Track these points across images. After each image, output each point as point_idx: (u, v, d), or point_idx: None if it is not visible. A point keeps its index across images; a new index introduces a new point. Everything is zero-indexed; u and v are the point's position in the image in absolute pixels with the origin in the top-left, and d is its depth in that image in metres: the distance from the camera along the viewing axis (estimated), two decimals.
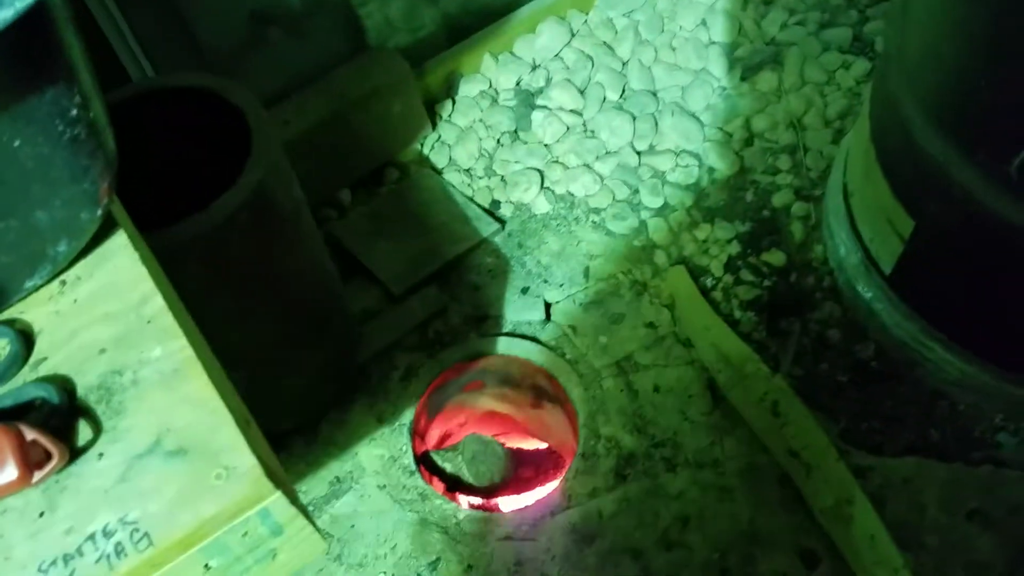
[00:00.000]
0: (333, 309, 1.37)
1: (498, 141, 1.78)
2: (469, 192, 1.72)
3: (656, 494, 1.31)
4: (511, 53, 1.89)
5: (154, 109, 1.14)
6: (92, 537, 0.57)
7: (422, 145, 1.80)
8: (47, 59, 0.52)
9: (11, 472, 0.55)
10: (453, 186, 1.72)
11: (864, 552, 1.17)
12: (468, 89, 1.85)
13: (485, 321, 1.54)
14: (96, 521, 0.58)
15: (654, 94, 1.82)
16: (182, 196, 1.14)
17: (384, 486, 1.37)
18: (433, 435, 1.57)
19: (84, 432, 0.61)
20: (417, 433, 1.48)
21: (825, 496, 1.24)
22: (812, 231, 1.66)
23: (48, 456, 0.58)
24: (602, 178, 1.71)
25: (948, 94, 1.12)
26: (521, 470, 1.62)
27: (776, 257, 1.63)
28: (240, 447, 0.60)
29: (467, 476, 1.49)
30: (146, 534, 0.57)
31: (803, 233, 1.66)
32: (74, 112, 0.55)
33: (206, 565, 0.61)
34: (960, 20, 1.07)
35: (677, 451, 1.36)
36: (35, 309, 0.67)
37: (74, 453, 0.60)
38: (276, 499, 0.61)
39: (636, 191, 1.70)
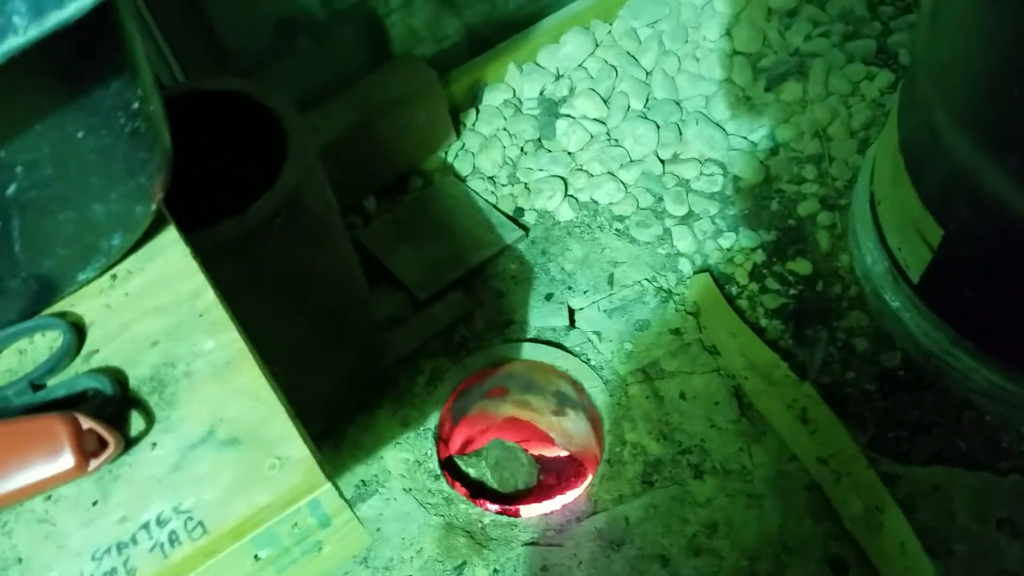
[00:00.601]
0: (361, 313, 1.38)
1: (522, 149, 1.79)
2: (493, 199, 1.73)
3: (683, 501, 1.31)
4: (535, 63, 1.90)
5: (188, 112, 1.15)
6: (146, 526, 0.58)
7: (446, 153, 1.81)
8: (114, 50, 0.52)
9: (68, 460, 0.56)
10: (477, 193, 1.73)
11: (894, 559, 1.17)
12: (492, 98, 1.86)
13: (509, 327, 1.54)
14: (150, 510, 0.58)
15: (678, 103, 1.82)
16: (215, 199, 1.15)
17: (410, 489, 1.37)
18: (457, 440, 1.57)
19: (137, 423, 0.62)
20: (442, 438, 1.48)
21: (854, 503, 1.24)
22: (838, 240, 1.66)
23: (103, 445, 0.58)
24: (626, 186, 1.72)
25: (978, 100, 1.12)
26: (544, 477, 1.62)
27: (802, 266, 1.63)
28: (293, 438, 0.61)
29: (491, 481, 1.49)
30: (200, 523, 0.57)
31: (829, 242, 1.66)
32: (136, 105, 0.56)
33: (256, 556, 0.62)
34: (989, 24, 1.07)
35: (704, 458, 1.36)
36: (86, 302, 0.67)
37: (127, 443, 0.61)
38: (327, 489, 0.61)
39: (660, 199, 1.70)
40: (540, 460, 1.65)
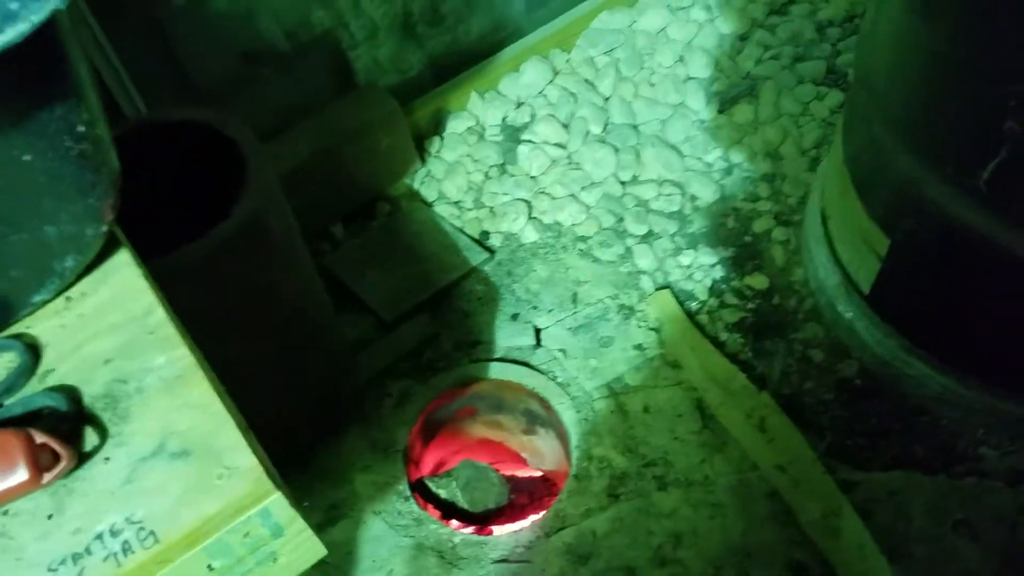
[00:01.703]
0: (326, 335, 1.40)
1: (486, 174, 1.83)
2: (459, 223, 1.76)
3: (648, 512, 1.33)
4: (496, 91, 1.95)
5: (150, 143, 1.17)
6: (100, 536, 0.59)
7: (412, 179, 1.85)
8: (58, 75, 0.55)
9: (22, 474, 0.58)
10: (443, 218, 1.76)
11: (853, 563, 1.19)
12: (455, 126, 1.90)
13: (477, 347, 1.57)
14: (104, 521, 0.60)
15: (635, 127, 1.87)
16: (179, 226, 1.17)
17: (379, 512, 1.38)
18: (428, 462, 1.58)
19: (91, 438, 0.64)
20: (411, 460, 1.49)
21: (812, 509, 1.26)
22: (792, 255, 1.71)
23: (57, 459, 0.60)
24: (588, 207, 1.76)
25: (915, 112, 1.17)
26: (515, 497, 1.64)
27: (759, 281, 1.67)
28: (241, 448, 0.63)
29: (462, 502, 1.50)
30: (152, 532, 0.59)
31: (784, 257, 1.70)
32: (81, 128, 0.59)
33: (209, 566, 0.63)
34: (923, 40, 1.12)
35: (668, 470, 1.38)
36: (41, 323, 0.69)
37: (81, 458, 0.63)
38: (276, 499, 0.63)
39: (621, 219, 1.74)
40: (511, 480, 1.67)
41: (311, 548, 0.71)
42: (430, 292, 1.62)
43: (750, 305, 1.65)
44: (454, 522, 1.46)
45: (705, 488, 1.35)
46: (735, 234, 1.74)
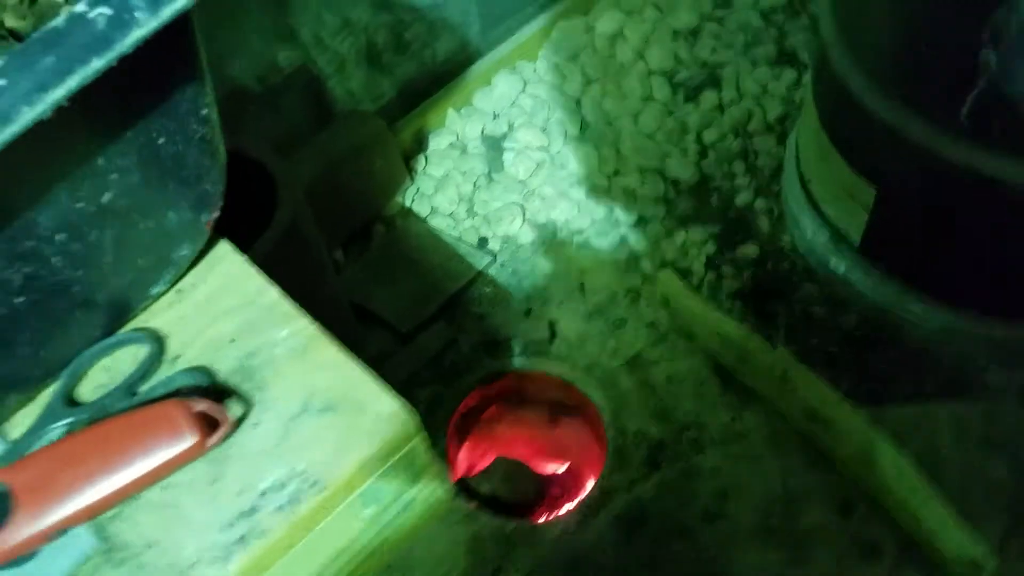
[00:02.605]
0: (355, 346, 1.42)
1: (475, 184, 1.88)
2: (456, 233, 1.81)
3: (691, 474, 1.38)
4: (472, 106, 2.01)
5: None
6: (265, 492, 0.62)
7: (403, 198, 1.89)
8: (191, 54, 0.58)
9: (189, 439, 0.60)
10: (440, 230, 1.81)
11: (893, 487, 1.26)
12: (438, 143, 1.96)
13: (496, 346, 1.61)
14: (267, 478, 0.63)
15: (610, 123, 1.95)
16: None
17: None
18: (463, 463, 1.61)
19: (234, 409, 0.67)
20: (448, 461, 1.52)
21: (846, 446, 1.33)
22: (777, 222, 1.80)
23: (214, 425, 0.63)
24: (578, 203, 1.82)
25: (890, 55, 1.26)
26: (551, 490, 1.67)
27: (750, 250, 1.75)
28: (382, 397, 0.66)
29: (503, 497, 1.53)
30: (316, 480, 0.62)
31: (770, 225, 1.79)
32: (205, 111, 0.62)
33: (361, 514, 0.67)
34: None
35: (702, 432, 1.44)
36: (157, 317, 0.72)
37: (229, 431, 0.65)
38: (419, 441, 0.67)
39: (612, 210, 1.81)
40: (543, 475, 1.70)
41: (440, 496, 0.74)
42: (441, 300, 1.66)
43: (746, 274, 1.73)
44: (504, 516, 1.49)
45: (741, 444, 1.41)
46: (720, 210, 1.82)
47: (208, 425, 0.62)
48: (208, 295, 0.73)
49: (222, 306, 0.72)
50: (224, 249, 0.76)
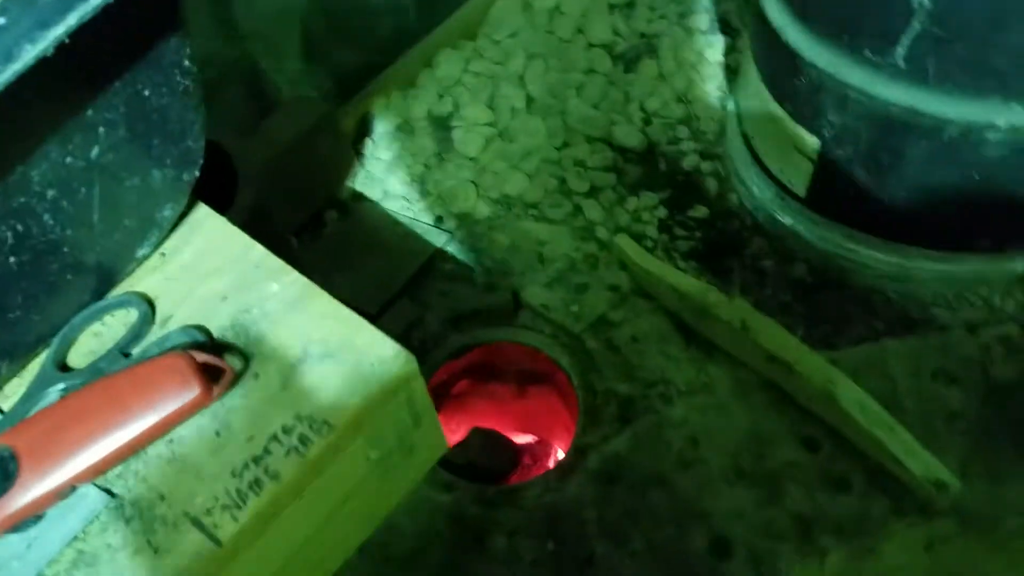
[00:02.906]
0: None
1: (425, 164, 1.89)
2: (411, 214, 1.81)
3: (662, 426, 1.42)
4: (416, 87, 2.02)
5: None
6: (274, 437, 0.63)
7: (353, 183, 1.89)
8: (174, 3, 0.58)
9: (195, 389, 0.60)
10: (395, 212, 1.81)
11: (857, 420, 1.31)
12: (384, 126, 1.96)
13: (461, 321, 1.62)
14: (273, 424, 0.63)
15: (555, 96, 1.98)
16: None
17: None
18: None
19: (233, 363, 0.67)
20: None
21: (808, 386, 1.38)
22: (724, 182, 1.85)
23: (218, 375, 0.63)
24: (530, 176, 1.85)
25: (825, 5, 1.31)
26: (524, 459, 1.70)
27: (700, 211, 1.80)
28: (381, 340, 0.67)
29: (481, 465, 1.55)
30: (325, 421, 0.63)
31: (717, 186, 1.84)
32: (187, 63, 0.62)
33: (368, 456, 0.68)
34: None
35: (669, 386, 1.48)
36: (144, 281, 0.72)
37: (232, 380, 0.65)
38: (419, 383, 0.68)
39: (563, 181, 1.84)
40: (516, 444, 1.72)
41: (438, 439, 0.76)
42: (403, 279, 1.66)
43: (698, 234, 1.78)
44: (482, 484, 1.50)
45: (707, 394, 1.45)
46: (668, 175, 1.87)
47: (211, 378, 0.62)
48: (194, 256, 0.73)
49: (209, 265, 0.72)
50: (203, 211, 0.75)
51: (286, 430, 0.62)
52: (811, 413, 1.40)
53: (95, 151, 0.58)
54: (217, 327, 0.68)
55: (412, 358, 0.67)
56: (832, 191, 1.58)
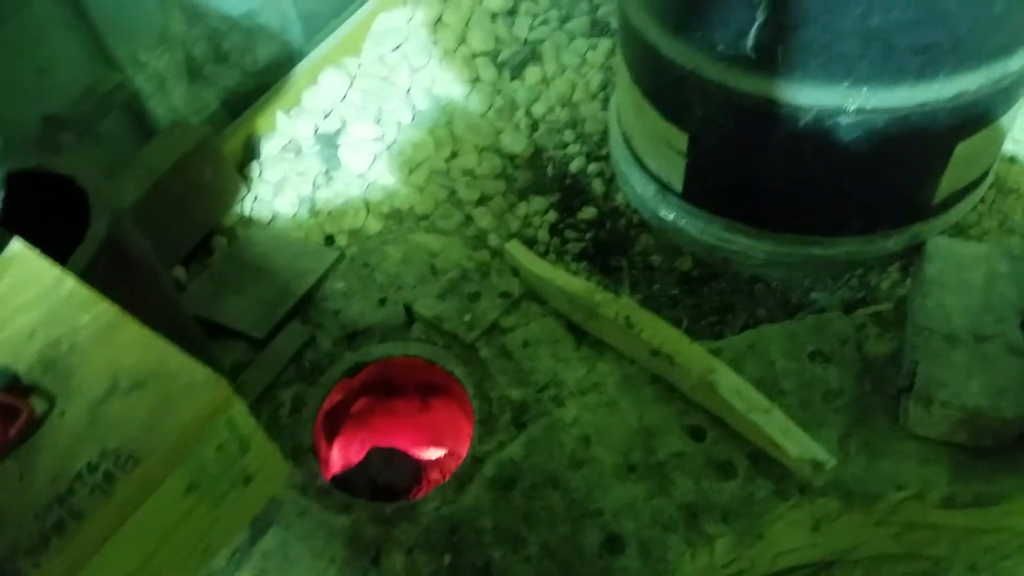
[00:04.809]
0: (203, 358, 1.39)
1: (314, 183, 1.88)
2: (301, 234, 1.80)
3: (555, 427, 1.43)
4: (301, 106, 2.00)
5: None
6: (79, 476, 0.61)
7: (241, 207, 1.86)
8: None
9: None
10: (284, 232, 1.79)
11: (736, 406, 1.34)
12: (270, 147, 1.94)
13: (355, 338, 1.61)
14: (78, 462, 0.62)
15: (441, 108, 1.99)
16: None
17: (305, 510, 1.39)
18: (337, 459, 1.60)
19: (40, 404, 0.65)
20: (320, 459, 1.51)
21: (690, 376, 1.41)
22: (610, 183, 1.88)
23: (15, 416, 0.61)
24: (420, 189, 1.85)
25: (680, 4, 1.35)
26: (429, 474, 1.69)
27: (589, 212, 1.83)
28: (192, 365, 0.67)
29: (381, 483, 1.54)
30: (130, 456, 0.62)
31: (603, 187, 1.87)
32: None
33: (189, 487, 0.66)
34: None
35: (560, 388, 1.49)
36: None
37: (37, 422, 0.64)
38: (238, 407, 0.68)
39: (453, 191, 1.85)
40: (420, 460, 1.71)
41: (276, 466, 0.75)
42: (292, 301, 1.64)
43: (587, 235, 1.80)
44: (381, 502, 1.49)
45: (597, 392, 1.47)
46: (556, 179, 1.89)
47: (9, 420, 0.61)
48: (4, 292, 0.71)
49: (19, 300, 0.70)
50: (16, 247, 0.74)
51: (91, 467, 0.61)
52: (695, 403, 1.43)
53: None
54: (25, 365, 0.67)
55: (225, 382, 0.66)
56: (705, 185, 1.62)
